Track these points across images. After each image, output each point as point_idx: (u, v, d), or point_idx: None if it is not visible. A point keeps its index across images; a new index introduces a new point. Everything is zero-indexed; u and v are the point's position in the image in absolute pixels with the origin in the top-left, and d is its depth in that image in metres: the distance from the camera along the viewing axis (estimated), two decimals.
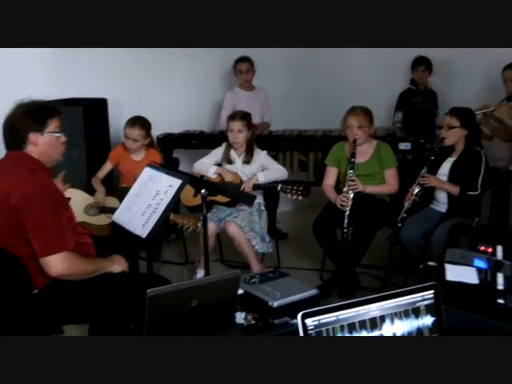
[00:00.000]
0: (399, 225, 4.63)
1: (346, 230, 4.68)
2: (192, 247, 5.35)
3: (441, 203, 4.75)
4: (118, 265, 3.19)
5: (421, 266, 4.05)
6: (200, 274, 4.87)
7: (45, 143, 3.04)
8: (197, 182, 4.02)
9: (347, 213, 4.68)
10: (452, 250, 3.17)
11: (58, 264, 2.89)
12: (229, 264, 5.38)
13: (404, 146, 5.45)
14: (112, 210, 3.79)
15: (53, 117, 3.07)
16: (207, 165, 5.04)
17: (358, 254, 4.75)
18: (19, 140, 3.03)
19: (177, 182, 3.30)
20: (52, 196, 2.97)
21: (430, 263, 3.74)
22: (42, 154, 3.05)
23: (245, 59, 6.06)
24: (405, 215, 4.65)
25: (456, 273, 2.87)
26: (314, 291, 2.84)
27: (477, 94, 5.92)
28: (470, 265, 3.00)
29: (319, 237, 4.78)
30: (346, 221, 4.67)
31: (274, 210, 5.31)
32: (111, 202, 4.63)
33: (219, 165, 5.08)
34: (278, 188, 4.71)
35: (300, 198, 4.61)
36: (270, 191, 4.97)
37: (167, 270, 5.09)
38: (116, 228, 3.59)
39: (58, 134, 3.08)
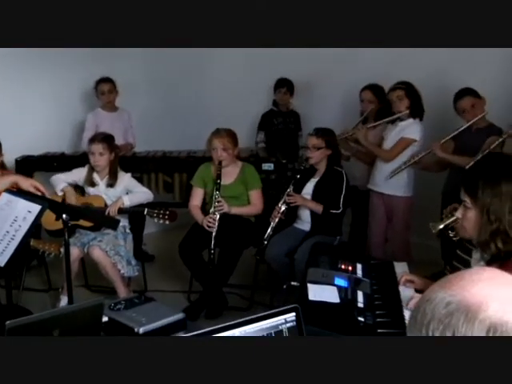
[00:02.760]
0: (265, 242, 4.70)
1: (212, 251, 4.70)
2: (55, 273, 5.15)
3: (304, 222, 4.87)
4: None
5: (284, 287, 4.12)
6: (64, 300, 4.69)
7: None
8: (57, 206, 3.90)
9: (214, 234, 4.70)
10: (313, 269, 3.24)
11: None
12: (94, 289, 5.24)
13: (267, 166, 5.56)
14: None
15: None
16: (60, 180, 4.91)
17: (225, 274, 4.78)
18: None
19: (36, 208, 3.20)
20: None
21: (293, 283, 3.81)
22: None
23: (106, 80, 5.92)
24: (271, 233, 4.74)
25: (317, 292, 2.92)
26: (180, 315, 2.85)
27: (336, 115, 6.11)
28: (331, 283, 3.06)
29: (185, 258, 4.79)
30: (212, 241, 4.69)
31: (140, 232, 5.25)
32: None
33: (77, 186, 4.97)
34: (145, 212, 4.69)
35: (167, 222, 4.65)
36: (135, 214, 4.91)
37: (29, 298, 4.90)
38: None
39: None
